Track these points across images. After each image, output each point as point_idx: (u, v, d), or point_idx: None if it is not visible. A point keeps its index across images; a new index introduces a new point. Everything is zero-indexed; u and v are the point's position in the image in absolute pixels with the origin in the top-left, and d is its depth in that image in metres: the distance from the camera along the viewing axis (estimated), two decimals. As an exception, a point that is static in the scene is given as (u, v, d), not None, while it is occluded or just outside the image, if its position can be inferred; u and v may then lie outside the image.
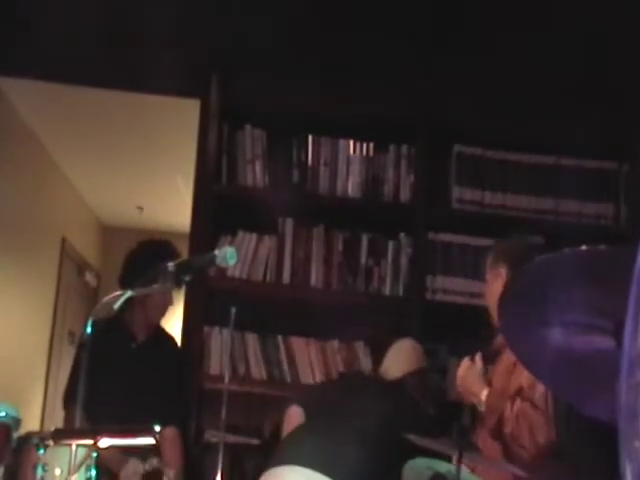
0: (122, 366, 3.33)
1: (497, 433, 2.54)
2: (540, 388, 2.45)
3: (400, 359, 3.34)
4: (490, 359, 2.66)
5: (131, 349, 3.39)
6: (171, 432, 3.24)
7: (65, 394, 3.39)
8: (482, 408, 2.61)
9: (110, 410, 2.98)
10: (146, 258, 3.12)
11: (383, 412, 2.97)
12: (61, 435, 2.31)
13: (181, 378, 3.47)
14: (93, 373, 2.48)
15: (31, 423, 5.06)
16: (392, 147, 3.88)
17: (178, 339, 3.64)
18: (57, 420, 3.51)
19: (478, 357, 2.66)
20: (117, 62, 3.99)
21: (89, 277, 6.96)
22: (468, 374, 2.66)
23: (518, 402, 2.48)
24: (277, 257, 3.76)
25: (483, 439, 2.64)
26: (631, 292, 0.75)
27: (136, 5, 3.98)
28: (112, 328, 3.12)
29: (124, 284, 3.12)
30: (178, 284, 3.25)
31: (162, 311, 3.43)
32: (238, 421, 3.51)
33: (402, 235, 3.81)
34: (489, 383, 2.64)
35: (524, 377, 2.49)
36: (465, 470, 2.35)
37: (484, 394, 2.59)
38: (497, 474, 2.51)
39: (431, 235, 3.81)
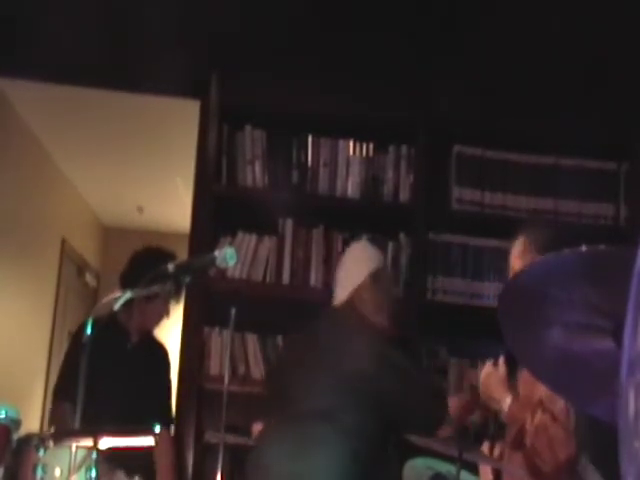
0: (119, 365, 3.34)
1: (517, 444, 2.45)
2: (561, 401, 2.33)
3: (343, 278, 3.09)
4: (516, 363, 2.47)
5: (127, 349, 3.41)
6: (163, 433, 3.24)
7: (55, 389, 3.39)
8: (504, 416, 2.48)
9: (106, 409, 2.98)
10: (151, 263, 3.12)
11: (333, 370, 2.79)
12: (61, 436, 2.31)
13: (171, 382, 3.52)
14: (89, 371, 2.48)
15: (31, 423, 5.05)
16: (392, 147, 3.87)
17: (178, 340, 3.65)
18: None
19: (501, 361, 2.50)
20: (117, 63, 3.98)
21: (89, 278, 6.96)
22: (490, 380, 2.51)
23: (539, 414, 2.36)
24: (277, 258, 3.76)
25: (505, 449, 2.56)
26: (631, 292, 0.75)
27: (136, 5, 3.98)
28: (108, 327, 3.12)
29: (125, 284, 3.13)
30: (178, 285, 3.27)
31: (159, 319, 3.48)
32: (238, 422, 3.50)
33: (402, 235, 3.81)
34: (515, 389, 2.50)
35: (544, 388, 2.43)
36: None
37: (506, 402, 2.46)
38: None
39: (431, 235, 3.80)
